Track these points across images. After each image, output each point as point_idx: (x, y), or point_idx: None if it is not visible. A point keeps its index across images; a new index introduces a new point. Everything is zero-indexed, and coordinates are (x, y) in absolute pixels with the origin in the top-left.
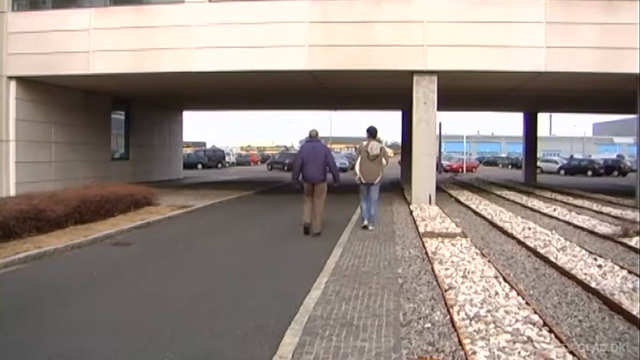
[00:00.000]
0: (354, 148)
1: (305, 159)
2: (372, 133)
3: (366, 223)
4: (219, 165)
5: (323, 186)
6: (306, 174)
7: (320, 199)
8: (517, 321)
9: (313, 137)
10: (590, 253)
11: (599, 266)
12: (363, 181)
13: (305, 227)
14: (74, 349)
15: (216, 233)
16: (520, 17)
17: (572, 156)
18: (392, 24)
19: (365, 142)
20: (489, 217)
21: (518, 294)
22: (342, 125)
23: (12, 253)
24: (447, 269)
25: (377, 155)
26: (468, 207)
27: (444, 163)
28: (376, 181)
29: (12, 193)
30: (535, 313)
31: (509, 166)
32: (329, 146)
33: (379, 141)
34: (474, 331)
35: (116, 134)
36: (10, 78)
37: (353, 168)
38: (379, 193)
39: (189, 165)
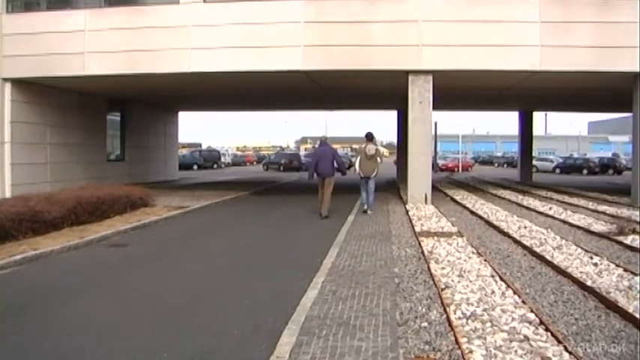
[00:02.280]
0: (349, 148)
1: (319, 159)
2: (369, 137)
3: (365, 208)
4: (215, 166)
5: (332, 179)
6: (318, 170)
7: (329, 189)
8: (513, 320)
9: (323, 142)
10: (586, 251)
11: (595, 264)
12: (362, 176)
13: (321, 214)
14: (73, 349)
15: (213, 234)
16: (515, 16)
17: (571, 154)
18: (387, 23)
19: (364, 145)
20: (485, 216)
21: (514, 293)
22: (337, 125)
23: (8, 254)
24: (443, 268)
25: (373, 155)
26: (463, 206)
27: (440, 162)
28: (372, 175)
29: (8, 194)
30: (531, 311)
31: (505, 165)
32: None
33: (374, 143)
34: (471, 330)
35: (112, 135)
36: (5, 80)
37: (352, 165)
38: (375, 185)
39: (185, 166)
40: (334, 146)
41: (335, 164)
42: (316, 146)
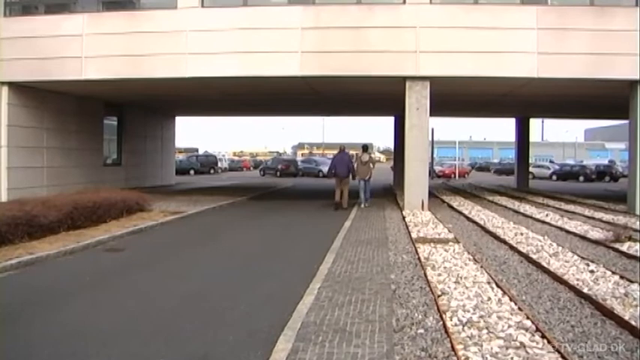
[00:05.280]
0: None
1: (336, 163)
2: (364, 148)
3: (362, 203)
4: (212, 171)
5: (347, 179)
6: (337, 172)
7: (346, 187)
8: (510, 326)
9: (342, 150)
10: (583, 258)
11: (592, 271)
12: (359, 178)
13: (335, 205)
14: (67, 354)
15: (209, 239)
16: (512, 23)
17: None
18: (384, 30)
19: (360, 154)
20: (482, 222)
21: (510, 299)
22: (335, 131)
23: (4, 259)
24: (439, 275)
25: (367, 162)
26: (460, 212)
27: (437, 168)
28: (367, 178)
29: (4, 198)
30: (528, 318)
31: (500, 173)
32: (322, 152)
33: (369, 152)
34: (467, 336)
35: (108, 140)
36: (3, 83)
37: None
38: (370, 185)
39: (182, 171)
40: (333, 152)
41: (350, 168)
42: (313, 152)
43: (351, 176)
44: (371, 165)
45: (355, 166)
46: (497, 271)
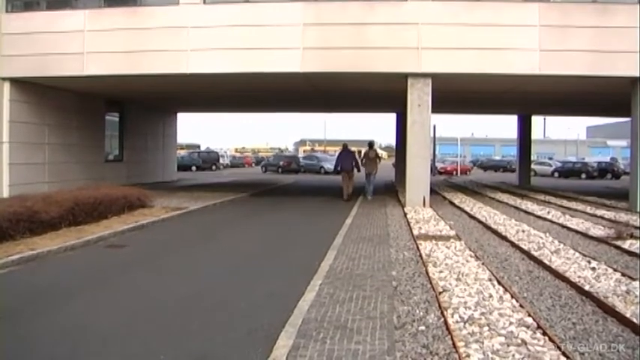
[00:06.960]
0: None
1: (342, 159)
2: (370, 145)
3: (367, 195)
4: (214, 167)
5: (352, 173)
6: (343, 167)
7: (351, 181)
8: (511, 324)
9: (346, 147)
10: (584, 255)
11: (593, 269)
12: (367, 172)
13: (346, 196)
14: (66, 354)
15: (210, 236)
16: (514, 20)
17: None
18: (386, 26)
19: (367, 150)
20: (483, 219)
21: (512, 297)
22: (337, 128)
23: (5, 255)
24: (441, 272)
25: (373, 157)
26: (462, 209)
27: (438, 165)
28: (373, 172)
29: (5, 194)
30: (529, 315)
31: (502, 170)
32: (323, 149)
33: (374, 149)
34: (468, 333)
35: (110, 136)
36: (4, 79)
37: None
38: (375, 179)
39: (183, 167)
40: (335, 149)
41: (353, 163)
42: (315, 148)
43: (355, 170)
44: (377, 160)
45: (363, 161)
46: (498, 268)
